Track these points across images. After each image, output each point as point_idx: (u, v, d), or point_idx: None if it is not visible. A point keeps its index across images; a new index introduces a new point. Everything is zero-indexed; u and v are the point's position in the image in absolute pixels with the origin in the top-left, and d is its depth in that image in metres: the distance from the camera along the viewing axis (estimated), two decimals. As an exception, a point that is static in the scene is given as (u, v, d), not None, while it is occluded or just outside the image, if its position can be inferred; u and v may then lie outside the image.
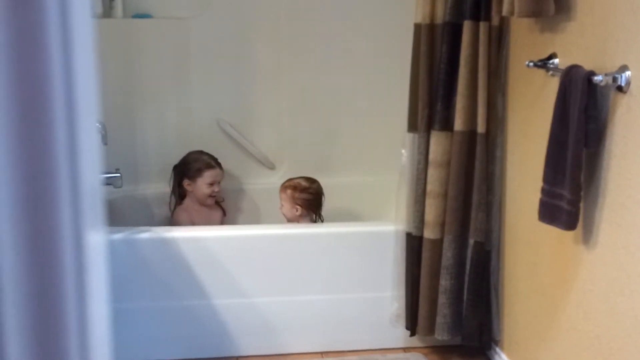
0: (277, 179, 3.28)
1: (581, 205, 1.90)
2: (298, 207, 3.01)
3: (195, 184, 3.13)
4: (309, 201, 3.04)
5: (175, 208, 3.16)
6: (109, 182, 2.92)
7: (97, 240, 0.72)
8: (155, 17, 3.24)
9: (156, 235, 2.66)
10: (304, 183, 3.06)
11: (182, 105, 3.31)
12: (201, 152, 3.18)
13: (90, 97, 0.72)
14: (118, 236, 2.63)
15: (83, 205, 0.66)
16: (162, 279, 2.65)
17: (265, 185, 3.34)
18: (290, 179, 3.10)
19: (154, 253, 2.64)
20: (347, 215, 3.24)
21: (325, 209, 3.13)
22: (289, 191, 3.04)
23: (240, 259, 2.68)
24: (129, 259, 2.62)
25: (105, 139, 2.87)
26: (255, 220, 3.29)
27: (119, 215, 3.05)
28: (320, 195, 3.07)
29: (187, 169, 3.14)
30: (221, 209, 3.23)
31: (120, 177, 2.90)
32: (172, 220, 3.14)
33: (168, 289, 2.66)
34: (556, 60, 2.12)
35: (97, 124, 2.77)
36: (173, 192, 3.19)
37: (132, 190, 3.21)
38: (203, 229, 2.85)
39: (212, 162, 3.15)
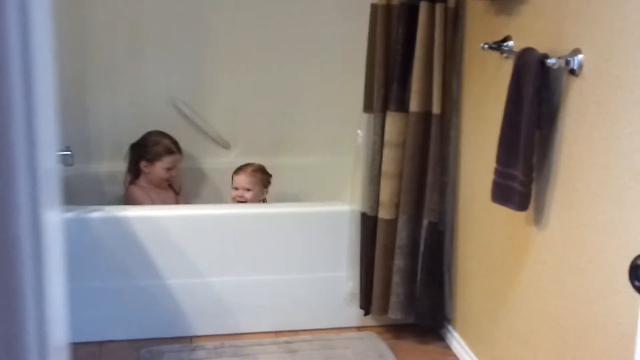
0: (232, 159, 3.27)
1: (533, 186, 1.93)
2: (264, 189, 3.03)
3: (153, 167, 3.06)
4: (268, 183, 3.07)
5: (129, 186, 3.11)
6: (59, 160, 2.87)
7: (55, 219, 0.71)
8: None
9: (109, 214, 2.62)
10: (260, 166, 3.07)
11: (136, 82, 3.24)
12: (162, 134, 3.11)
13: (47, 70, 0.69)
14: (70, 215, 2.58)
15: (40, 184, 0.65)
16: (115, 259, 2.62)
17: (220, 164, 3.31)
18: (247, 165, 3.08)
19: (107, 232, 2.60)
20: (302, 196, 3.24)
21: (280, 190, 3.13)
22: (259, 174, 3.03)
23: (194, 238, 2.67)
24: (81, 238, 2.58)
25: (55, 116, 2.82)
26: (210, 199, 3.26)
27: (70, 193, 3.00)
28: (270, 179, 3.12)
29: (146, 150, 3.07)
30: (173, 190, 3.17)
31: (71, 155, 2.85)
32: (126, 197, 3.08)
33: (121, 269, 2.63)
34: (511, 43, 2.15)
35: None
36: (129, 170, 3.12)
37: (84, 169, 3.15)
38: (156, 208, 2.82)
39: (173, 147, 3.09)
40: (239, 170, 3.07)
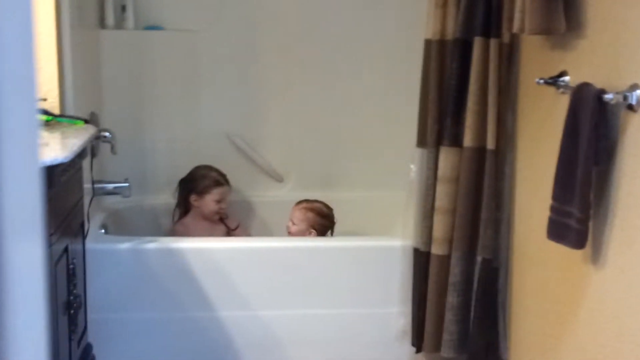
0: (285, 192, 3.29)
1: (590, 223, 1.88)
2: (313, 231, 3.02)
3: (203, 200, 3.10)
4: (325, 228, 3.07)
5: (176, 222, 3.14)
6: (117, 191, 2.93)
7: (29, 252, 0.61)
8: (166, 29, 3.25)
9: (162, 246, 2.65)
10: (325, 210, 3.08)
11: (191, 117, 3.31)
12: (210, 168, 3.15)
13: (25, 76, 0.58)
14: (125, 246, 2.63)
15: (5, 212, 0.57)
16: (167, 290, 2.64)
17: (273, 198, 3.34)
18: (308, 201, 3.09)
19: (160, 263, 2.64)
20: (354, 230, 3.23)
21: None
22: (310, 214, 3.04)
23: (246, 271, 2.68)
24: (134, 268, 2.62)
25: (114, 149, 2.89)
26: (262, 232, 3.28)
27: (126, 225, 3.05)
28: (334, 224, 3.09)
29: (195, 184, 3.11)
30: (225, 226, 3.19)
31: (129, 187, 2.92)
32: (171, 234, 3.11)
33: (173, 300, 2.65)
34: (567, 78, 2.12)
35: (105, 134, 2.80)
36: (178, 206, 3.15)
37: (140, 201, 3.21)
38: (210, 240, 2.85)
39: (221, 179, 3.12)
40: (298, 202, 3.08)
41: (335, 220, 3.10)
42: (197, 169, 3.15)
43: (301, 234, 3.03)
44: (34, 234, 0.61)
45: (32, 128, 0.61)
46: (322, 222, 3.06)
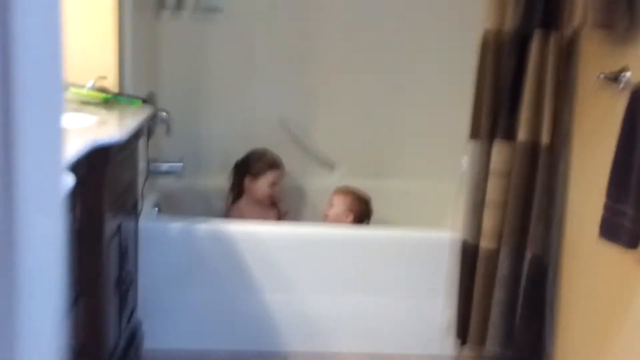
0: (335, 180, 3.29)
1: (645, 224, 1.84)
2: (351, 214, 3.04)
3: (257, 183, 3.12)
4: (362, 215, 3.08)
5: (230, 205, 3.18)
6: (171, 171, 2.98)
7: (48, 224, 0.61)
8: (224, 11, 3.27)
9: (213, 227, 2.69)
10: (363, 196, 3.09)
11: (246, 101, 3.34)
12: (265, 151, 3.18)
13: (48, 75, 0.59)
14: (176, 226, 2.68)
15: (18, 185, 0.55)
16: (216, 271, 2.69)
17: (323, 185, 3.35)
18: (349, 187, 3.11)
19: (210, 244, 2.68)
20: (403, 220, 3.21)
21: (382, 213, 3.12)
22: (349, 198, 3.05)
23: (294, 256, 2.70)
24: (185, 249, 2.67)
25: (169, 130, 2.94)
26: (312, 219, 3.30)
27: (179, 205, 3.11)
28: (371, 215, 3.11)
29: (249, 167, 3.14)
30: (277, 210, 3.22)
31: (183, 167, 2.96)
32: (224, 217, 3.14)
33: (221, 281, 2.70)
34: (627, 75, 2.07)
35: (161, 115, 2.85)
36: (232, 189, 3.19)
37: (193, 182, 3.25)
38: (259, 225, 2.87)
39: (276, 162, 3.14)
40: (336, 188, 3.13)
41: (372, 211, 3.11)
42: (253, 152, 3.18)
43: (339, 217, 3.04)
44: (54, 208, 0.60)
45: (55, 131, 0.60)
46: (361, 207, 3.08)
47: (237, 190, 3.17)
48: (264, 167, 3.12)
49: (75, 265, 1.79)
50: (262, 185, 3.12)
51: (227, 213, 3.16)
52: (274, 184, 3.13)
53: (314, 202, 3.38)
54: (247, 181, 3.14)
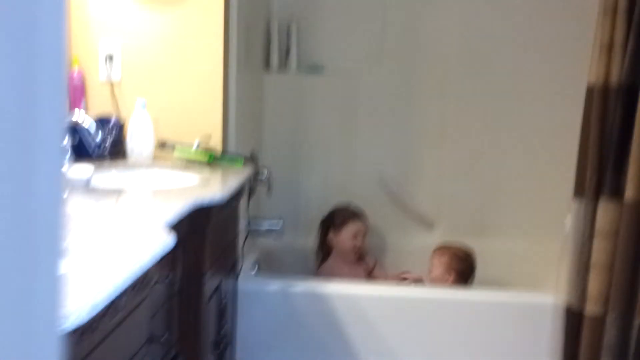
0: (434, 239, 3.24)
1: None
2: (450, 276, 2.97)
3: (340, 236, 3.11)
4: (464, 272, 3.00)
5: (320, 264, 3.17)
6: (271, 230, 3.01)
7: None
8: (326, 69, 3.33)
9: (310, 288, 2.68)
10: (461, 253, 3.02)
11: (346, 158, 3.37)
12: (348, 204, 3.19)
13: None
14: (273, 287, 2.68)
15: None
16: (312, 333, 2.66)
17: (422, 244, 3.30)
18: (446, 244, 3.06)
19: (307, 305, 2.66)
20: (504, 282, 3.12)
21: (482, 273, 3.04)
22: (445, 258, 3.00)
23: (390, 318, 2.65)
24: (282, 309, 2.66)
25: (270, 188, 2.98)
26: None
27: (278, 264, 3.13)
28: (474, 269, 3.02)
29: (332, 221, 3.14)
30: (364, 266, 3.16)
31: (282, 225, 2.98)
32: (315, 277, 3.13)
33: (317, 344, 2.66)
34: None
35: (262, 175, 2.90)
36: (319, 246, 3.19)
37: (293, 241, 3.27)
38: (355, 285, 2.84)
39: (357, 213, 3.13)
40: (436, 247, 3.08)
41: (475, 265, 3.02)
42: (336, 207, 3.19)
43: (439, 279, 2.98)
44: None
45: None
46: (461, 266, 2.99)
47: (324, 247, 3.16)
48: (345, 218, 3.11)
49: (175, 324, 1.83)
50: (345, 237, 3.09)
51: (317, 272, 3.14)
52: (357, 235, 3.10)
53: (414, 262, 3.32)
54: (331, 235, 3.13)
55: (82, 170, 1.99)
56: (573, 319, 2.45)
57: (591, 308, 2.40)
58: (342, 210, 3.17)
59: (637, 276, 2.34)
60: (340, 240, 3.11)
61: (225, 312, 2.25)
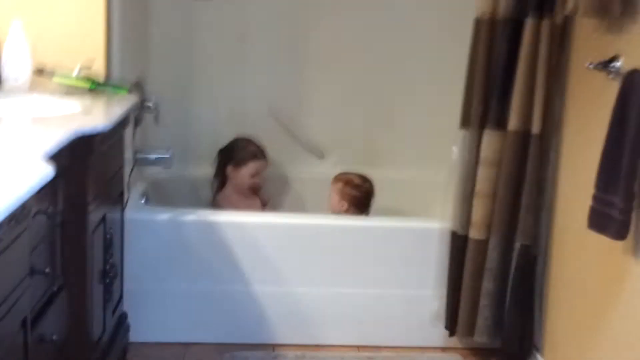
0: (325, 169, 3.27)
1: (633, 215, 1.83)
2: (345, 202, 3.00)
3: (238, 172, 3.10)
4: (357, 199, 3.03)
5: (216, 193, 3.15)
6: (159, 162, 2.93)
7: None
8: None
9: (200, 218, 2.66)
10: (356, 180, 3.05)
11: (235, 88, 3.31)
12: (249, 141, 3.15)
13: None
14: (164, 216, 2.65)
15: None
16: (203, 262, 2.66)
17: (313, 174, 3.32)
18: (344, 173, 3.08)
19: (198, 235, 2.65)
20: (394, 210, 3.19)
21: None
22: (339, 184, 3.03)
23: (282, 247, 2.67)
24: (173, 239, 2.64)
25: (157, 119, 2.90)
26: (301, 209, 3.27)
27: (167, 195, 3.08)
28: (370, 196, 3.06)
29: (232, 155, 3.11)
30: (259, 199, 3.18)
31: (171, 158, 2.91)
32: (212, 206, 3.12)
33: (210, 272, 2.67)
34: (618, 63, 2.04)
35: (149, 103, 2.81)
36: (215, 176, 3.17)
37: (182, 171, 3.21)
38: (247, 215, 2.85)
39: (258, 153, 3.11)
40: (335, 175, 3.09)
41: (372, 192, 3.06)
42: (237, 140, 3.15)
43: (336, 206, 3.02)
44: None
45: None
46: (353, 192, 3.02)
47: (221, 178, 3.14)
48: (246, 157, 3.09)
49: (58, 256, 1.77)
50: (243, 175, 3.09)
51: (214, 201, 3.14)
52: (254, 175, 3.10)
53: (303, 191, 3.35)
54: (229, 169, 3.11)
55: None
56: (459, 243, 2.54)
57: (475, 233, 2.49)
58: (244, 147, 3.12)
59: (518, 203, 2.44)
60: (239, 176, 3.09)
61: (112, 243, 2.19)
